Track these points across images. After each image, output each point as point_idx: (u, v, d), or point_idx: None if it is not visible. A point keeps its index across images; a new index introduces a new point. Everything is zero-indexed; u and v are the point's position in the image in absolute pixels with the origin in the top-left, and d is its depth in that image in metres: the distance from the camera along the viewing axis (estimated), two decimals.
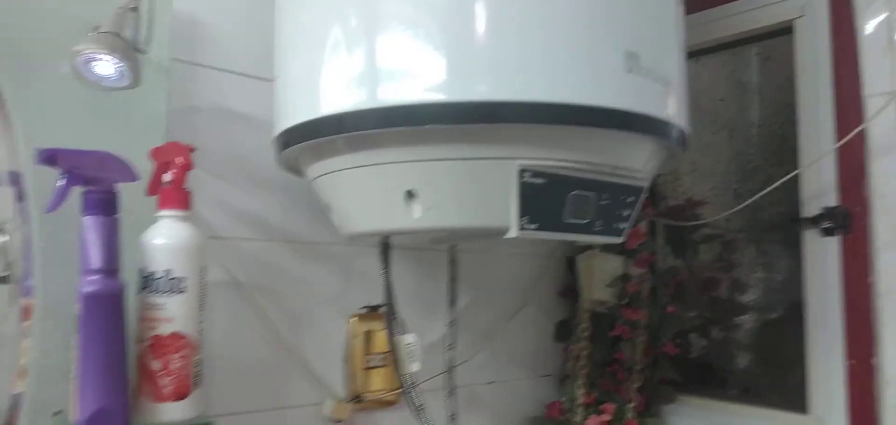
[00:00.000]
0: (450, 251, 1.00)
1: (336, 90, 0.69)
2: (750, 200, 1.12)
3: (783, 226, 1.20)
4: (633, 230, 1.23)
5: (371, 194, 0.71)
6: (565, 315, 1.37)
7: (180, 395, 0.74)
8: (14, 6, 0.77)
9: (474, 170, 0.65)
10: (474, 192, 0.66)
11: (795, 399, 1.15)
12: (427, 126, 0.64)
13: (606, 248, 1.24)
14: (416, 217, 0.68)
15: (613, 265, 1.23)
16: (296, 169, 0.86)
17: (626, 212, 0.74)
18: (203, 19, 0.91)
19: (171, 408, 0.74)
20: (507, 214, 0.66)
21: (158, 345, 0.73)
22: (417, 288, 1.13)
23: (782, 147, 1.20)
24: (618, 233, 0.75)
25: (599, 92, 0.63)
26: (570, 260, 1.36)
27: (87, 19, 0.78)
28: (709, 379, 1.31)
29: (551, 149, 0.64)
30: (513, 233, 0.66)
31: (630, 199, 0.74)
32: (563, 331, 1.36)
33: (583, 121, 0.63)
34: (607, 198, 0.71)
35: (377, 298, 1.07)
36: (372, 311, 1.07)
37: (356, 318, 1.05)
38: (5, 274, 0.83)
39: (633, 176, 0.72)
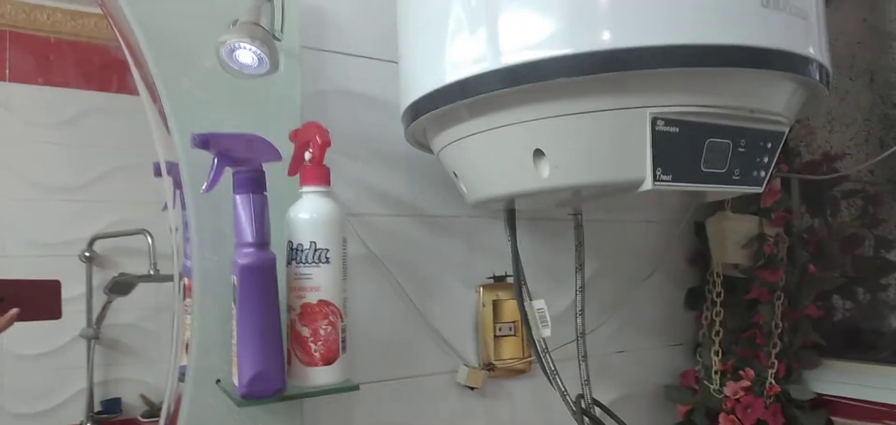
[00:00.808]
0: (575, 216, 0.99)
1: (458, 57, 0.70)
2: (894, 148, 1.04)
3: None
4: (768, 188, 1.17)
5: (497, 158, 0.72)
6: (695, 282, 1.34)
7: (329, 360, 0.79)
8: (159, 11, 0.84)
9: (603, 122, 0.64)
10: (604, 146, 0.66)
11: None
12: (551, 81, 0.63)
13: (738, 209, 1.20)
14: (545, 177, 0.68)
15: (747, 226, 1.18)
16: (423, 143, 0.88)
17: (765, 160, 0.71)
18: (326, 7, 0.96)
19: (321, 372, 0.79)
20: (639, 167, 0.65)
21: (307, 313, 0.78)
22: (543, 257, 1.13)
23: None
24: (757, 182, 0.72)
25: (733, 29, 0.60)
26: (698, 225, 1.32)
27: (223, 15, 0.84)
28: (856, 343, 1.23)
29: (684, 95, 0.63)
30: (647, 185, 0.65)
31: (769, 145, 0.71)
32: (694, 299, 1.33)
33: (716, 62, 0.60)
34: (745, 145, 0.68)
35: (501, 269, 1.08)
36: (498, 281, 1.08)
37: (484, 288, 1.07)
38: (152, 273, 0.91)
39: (773, 119, 0.69)
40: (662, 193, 0.70)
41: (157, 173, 0.90)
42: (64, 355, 0.85)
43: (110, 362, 0.88)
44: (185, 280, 0.88)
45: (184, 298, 0.89)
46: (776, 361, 1.18)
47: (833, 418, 1.18)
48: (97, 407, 0.87)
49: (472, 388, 1.04)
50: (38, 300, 0.82)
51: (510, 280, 1.07)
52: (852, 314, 1.24)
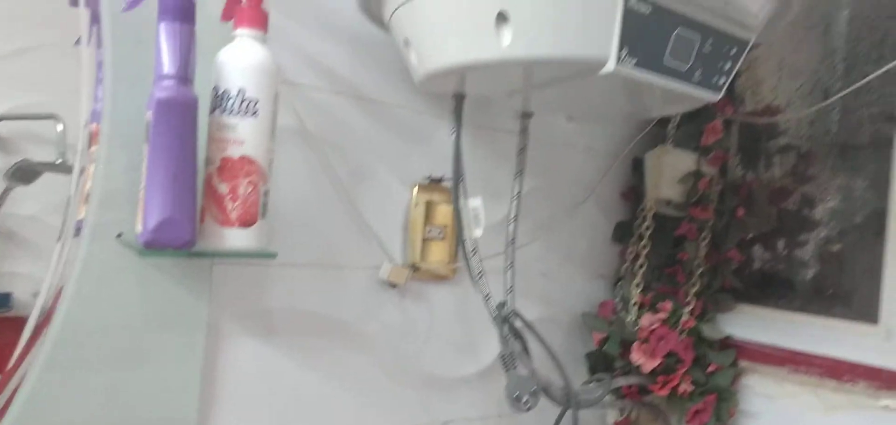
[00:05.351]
0: (521, 120, 0.96)
1: None
2: (839, 95, 1.05)
3: (874, 125, 1.13)
4: (710, 126, 1.18)
5: (456, 20, 0.67)
6: (625, 217, 1.34)
7: (246, 222, 0.73)
8: None
9: None
10: (572, 15, 0.61)
11: (864, 310, 1.11)
12: None
13: (679, 144, 1.19)
14: (505, 45, 0.64)
15: (685, 162, 1.18)
16: (374, 11, 0.82)
17: (727, 66, 0.69)
18: None
19: (237, 234, 0.72)
20: (605, 44, 0.61)
21: (227, 168, 0.71)
22: (482, 169, 1.09)
23: (882, 43, 1.13)
24: (716, 88, 0.70)
25: None
26: (636, 160, 1.32)
27: None
28: (769, 292, 1.26)
29: None
30: (610, 66, 0.61)
31: (733, 51, 0.68)
32: (622, 233, 1.33)
33: None
34: (711, 45, 0.66)
35: (439, 171, 1.04)
36: (435, 183, 1.04)
37: (419, 187, 1.02)
38: (60, 162, 0.82)
39: (742, 23, 0.67)
40: (617, 88, 0.67)
41: (73, 2, 0.81)
42: None
43: (4, 254, 0.80)
44: (93, 125, 0.79)
45: (89, 146, 0.80)
46: (694, 299, 1.19)
47: (739, 360, 1.21)
48: None
49: (393, 286, 1.00)
50: None
51: (447, 183, 1.03)
52: (770, 264, 1.27)
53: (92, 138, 0.80)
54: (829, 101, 1.11)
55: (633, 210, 1.30)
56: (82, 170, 0.80)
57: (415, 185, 1.02)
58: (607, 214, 1.32)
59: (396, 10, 0.74)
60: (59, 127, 0.81)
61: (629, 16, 0.60)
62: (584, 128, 1.22)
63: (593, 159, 1.27)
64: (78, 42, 0.81)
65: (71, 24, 0.78)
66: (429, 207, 1.03)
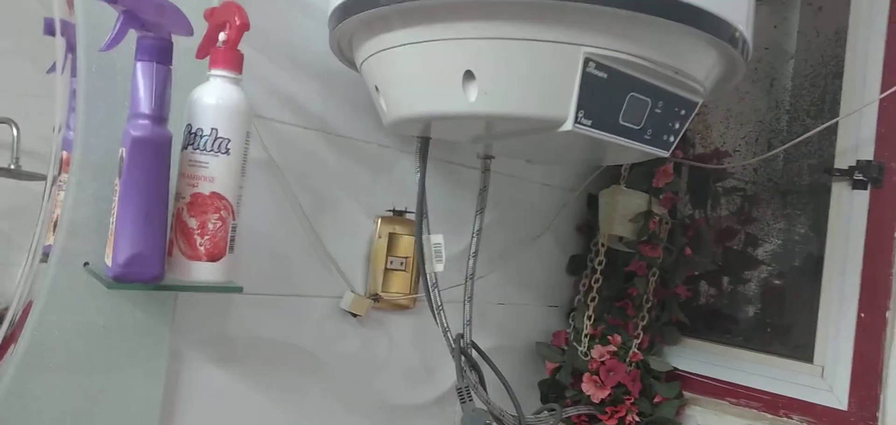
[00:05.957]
0: (484, 160, 0.99)
1: None
2: (782, 147, 1.12)
3: (812, 175, 1.21)
4: (661, 169, 1.24)
5: (426, 74, 0.70)
6: (579, 250, 1.39)
7: (214, 257, 0.74)
8: None
9: (537, 53, 0.64)
10: (534, 78, 0.65)
11: (801, 350, 1.17)
12: None
13: (631, 185, 1.25)
14: (472, 101, 0.67)
15: (637, 201, 1.24)
16: (346, 54, 0.84)
17: (676, 126, 0.74)
18: None
19: (204, 268, 0.74)
20: (563, 106, 0.65)
21: (197, 204, 0.73)
22: (444, 201, 1.13)
23: (822, 99, 1.20)
24: (666, 146, 0.74)
25: None
26: (591, 196, 1.37)
27: None
28: (714, 326, 1.33)
29: (618, 40, 0.63)
30: (568, 126, 0.65)
31: (682, 112, 0.73)
32: (576, 265, 1.38)
33: (653, 10, 0.61)
34: (662, 107, 0.70)
35: (403, 204, 1.07)
36: (398, 215, 1.07)
37: (382, 219, 1.05)
38: (13, 167, 0.82)
39: (692, 86, 0.72)
40: (575, 141, 0.71)
41: (49, 31, 0.82)
42: None
43: None
44: (64, 153, 0.80)
45: (59, 172, 0.81)
46: (642, 333, 1.24)
47: (683, 392, 1.27)
48: None
49: (354, 315, 1.03)
50: None
51: (409, 216, 1.06)
52: (715, 300, 1.34)
53: (63, 165, 0.80)
54: (772, 152, 1.18)
55: (586, 244, 1.36)
56: (50, 194, 0.81)
57: (378, 217, 1.05)
58: (563, 247, 1.37)
59: (368, 58, 0.77)
60: (15, 131, 0.81)
61: (587, 80, 0.64)
62: (542, 165, 1.27)
63: (550, 194, 1.32)
64: (52, 69, 0.82)
65: (28, 30, 0.78)
66: (391, 238, 1.06)
